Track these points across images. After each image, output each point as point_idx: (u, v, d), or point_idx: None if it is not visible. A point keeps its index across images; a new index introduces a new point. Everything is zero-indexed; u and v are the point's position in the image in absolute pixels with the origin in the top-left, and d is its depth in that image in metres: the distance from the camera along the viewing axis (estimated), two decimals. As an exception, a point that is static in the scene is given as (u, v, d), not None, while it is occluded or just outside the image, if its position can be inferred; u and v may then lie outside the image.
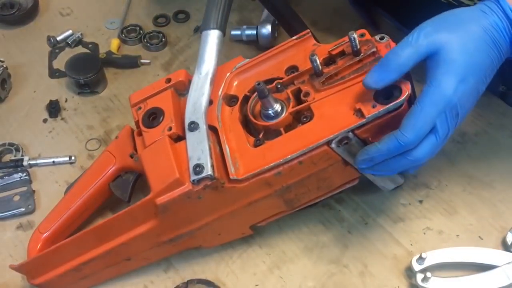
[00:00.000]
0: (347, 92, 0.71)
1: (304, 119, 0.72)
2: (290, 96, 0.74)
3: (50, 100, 1.02)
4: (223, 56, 0.79)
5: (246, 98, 0.78)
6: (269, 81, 0.76)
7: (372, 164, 0.67)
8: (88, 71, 1.00)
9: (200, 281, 0.80)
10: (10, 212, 0.88)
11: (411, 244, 0.81)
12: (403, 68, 0.65)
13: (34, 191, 0.90)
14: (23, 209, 0.88)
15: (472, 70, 0.64)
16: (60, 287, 0.81)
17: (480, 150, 0.90)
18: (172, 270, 0.82)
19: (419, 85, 0.93)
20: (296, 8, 0.99)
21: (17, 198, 0.89)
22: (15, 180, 0.91)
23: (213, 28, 0.79)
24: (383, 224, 0.84)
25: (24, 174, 0.91)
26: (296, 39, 0.79)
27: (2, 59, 1.05)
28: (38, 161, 0.93)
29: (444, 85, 0.63)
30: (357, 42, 0.71)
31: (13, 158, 0.93)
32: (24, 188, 0.90)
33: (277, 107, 0.73)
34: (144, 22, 1.14)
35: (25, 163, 0.92)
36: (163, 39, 1.10)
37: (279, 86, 0.75)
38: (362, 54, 0.71)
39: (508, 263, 0.76)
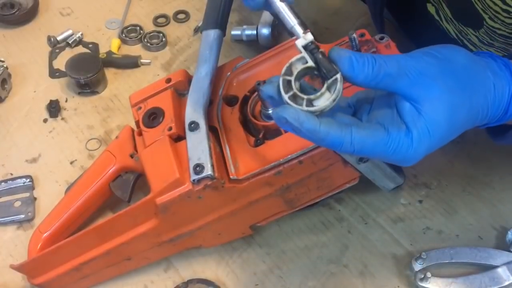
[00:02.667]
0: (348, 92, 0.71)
1: (304, 119, 0.72)
2: (290, 96, 0.74)
3: (50, 100, 1.02)
4: (223, 56, 0.79)
5: (246, 98, 0.78)
6: (269, 81, 0.76)
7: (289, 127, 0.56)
8: (88, 71, 1.00)
9: (200, 280, 0.80)
10: (9, 218, 0.88)
11: (411, 244, 0.81)
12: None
13: (35, 198, 0.90)
14: (23, 215, 0.88)
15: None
16: (61, 287, 0.81)
17: (480, 150, 0.90)
18: (172, 270, 0.82)
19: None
20: (296, 8, 0.99)
21: (18, 204, 0.89)
22: (18, 185, 0.91)
23: (213, 28, 0.79)
24: (383, 224, 0.84)
25: (28, 180, 0.91)
26: (296, 39, 0.79)
27: (2, 59, 1.05)
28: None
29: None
30: (357, 42, 0.71)
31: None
32: (26, 194, 0.90)
33: (277, 107, 0.73)
34: (144, 22, 1.14)
35: None
36: (163, 39, 1.10)
37: (279, 86, 0.75)
38: (362, 54, 0.71)
39: (508, 263, 0.76)
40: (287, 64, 0.55)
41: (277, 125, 0.55)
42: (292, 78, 0.55)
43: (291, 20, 0.58)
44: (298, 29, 0.57)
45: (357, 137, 0.54)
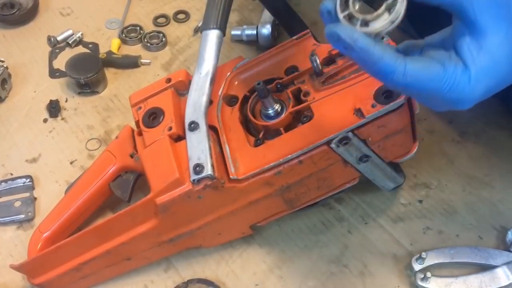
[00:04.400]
0: (347, 92, 0.71)
1: (304, 119, 0.72)
2: (290, 96, 0.74)
3: (50, 100, 1.02)
4: (223, 56, 0.79)
5: (246, 98, 0.78)
6: (269, 81, 0.76)
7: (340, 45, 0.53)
8: (88, 71, 1.01)
9: (200, 280, 0.80)
10: (9, 218, 0.88)
11: (411, 244, 0.81)
12: None
13: (35, 198, 0.90)
14: (23, 215, 0.88)
15: None
16: (61, 287, 0.81)
17: (480, 150, 0.90)
18: (172, 270, 0.82)
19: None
20: (296, 8, 0.99)
21: (18, 204, 0.89)
22: (18, 185, 0.90)
23: (213, 28, 0.79)
24: (383, 224, 0.84)
25: (28, 180, 0.91)
26: (296, 39, 0.79)
27: (2, 59, 1.05)
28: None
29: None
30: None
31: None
32: (26, 194, 0.90)
33: (277, 107, 0.73)
34: (144, 22, 1.14)
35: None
36: (163, 39, 1.10)
37: (279, 86, 0.75)
38: (362, 54, 0.71)
39: (508, 263, 0.76)
40: None
41: (329, 42, 0.52)
42: None
43: None
44: None
45: (411, 68, 0.50)
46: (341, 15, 0.51)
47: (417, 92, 0.53)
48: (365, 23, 0.51)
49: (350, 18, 0.51)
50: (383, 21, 0.50)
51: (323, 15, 0.54)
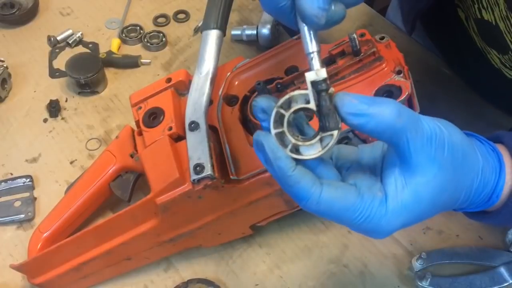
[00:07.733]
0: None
1: (304, 119, 0.72)
2: (290, 96, 0.74)
3: (50, 100, 1.02)
4: (223, 56, 0.79)
5: (246, 98, 0.78)
6: (269, 81, 0.76)
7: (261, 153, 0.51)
8: (88, 70, 1.00)
9: (200, 280, 0.80)
10: (9, 218, 0.87)
11: (411, 244, 0.81)
12: None
13: (35, 198, 0.90)
14: (23, 215, 0.87)
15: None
16: (61, 287, 0.81)
17: (480, 150, 0.90)
18: (172, 270, 0.82)
19: (419, 85, 0.94)
20: (296, 8, 0.99)
21: (18, 203, 0.89)
22: (18, 185, 0.90)
23: (213, 28, 0.79)
24: (383, 224, 0.84)
25: (28, 179, 0.91)
26: (296, 39, 0.79)
27: (2, 59, 1.05)
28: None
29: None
30: (357, 42, 0.71)
31: None
32: (26, 194, 0.90)
33: (277, 107, 0.73)
34: (144, 22, 1.14)
35: None
36: (163, 39, 1.10)
37: (279, 86, 0.75)
38: (362, 54, 0.71)
39: (508, 263, 0.76)
40: (287, 97, 0.50)
41: (253, 146, 0.51)
42: (286, 115, 0.49)
43: (311, 46, 0.52)
44: (316, 60, 0.51)
45: (326, 196, 0.49)
46: (273, 131, 0.50)
47: (331, 218, 0.51)
48: (295, 148, 0.49)
49: (282, 135, 0.50)
50: (313, 152, 0.49)
51: (256, 113, 0.52)
